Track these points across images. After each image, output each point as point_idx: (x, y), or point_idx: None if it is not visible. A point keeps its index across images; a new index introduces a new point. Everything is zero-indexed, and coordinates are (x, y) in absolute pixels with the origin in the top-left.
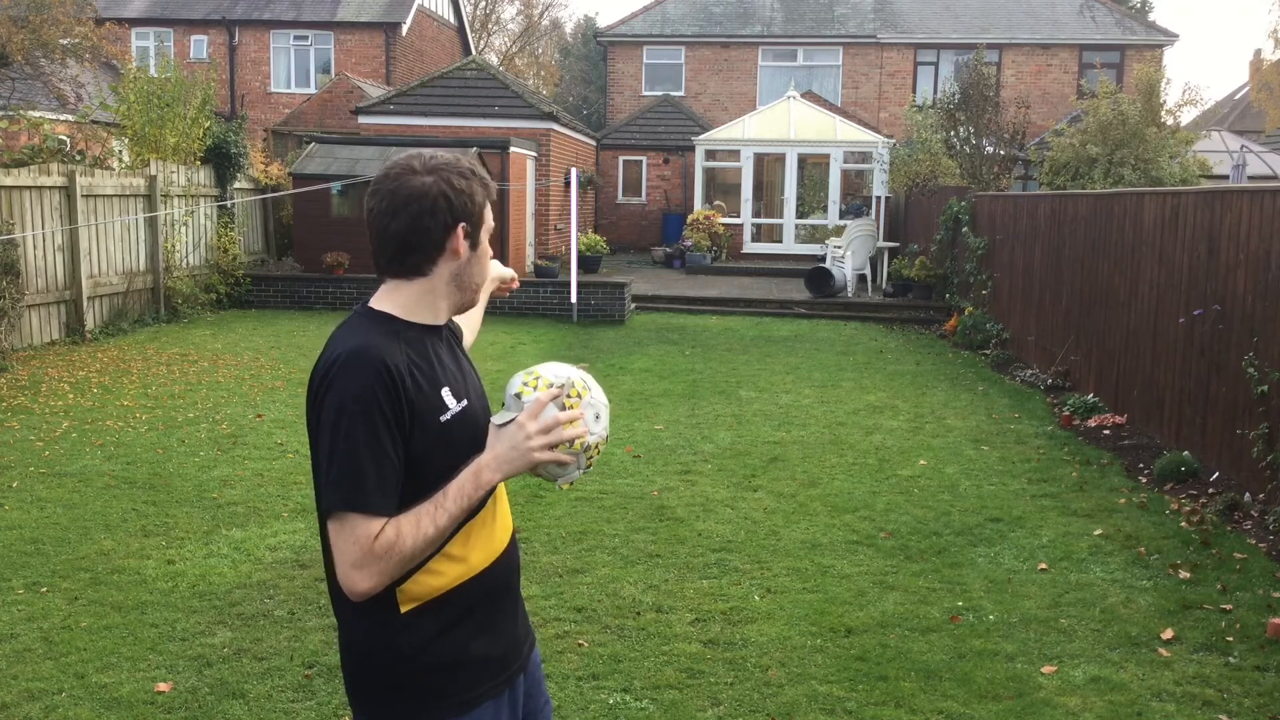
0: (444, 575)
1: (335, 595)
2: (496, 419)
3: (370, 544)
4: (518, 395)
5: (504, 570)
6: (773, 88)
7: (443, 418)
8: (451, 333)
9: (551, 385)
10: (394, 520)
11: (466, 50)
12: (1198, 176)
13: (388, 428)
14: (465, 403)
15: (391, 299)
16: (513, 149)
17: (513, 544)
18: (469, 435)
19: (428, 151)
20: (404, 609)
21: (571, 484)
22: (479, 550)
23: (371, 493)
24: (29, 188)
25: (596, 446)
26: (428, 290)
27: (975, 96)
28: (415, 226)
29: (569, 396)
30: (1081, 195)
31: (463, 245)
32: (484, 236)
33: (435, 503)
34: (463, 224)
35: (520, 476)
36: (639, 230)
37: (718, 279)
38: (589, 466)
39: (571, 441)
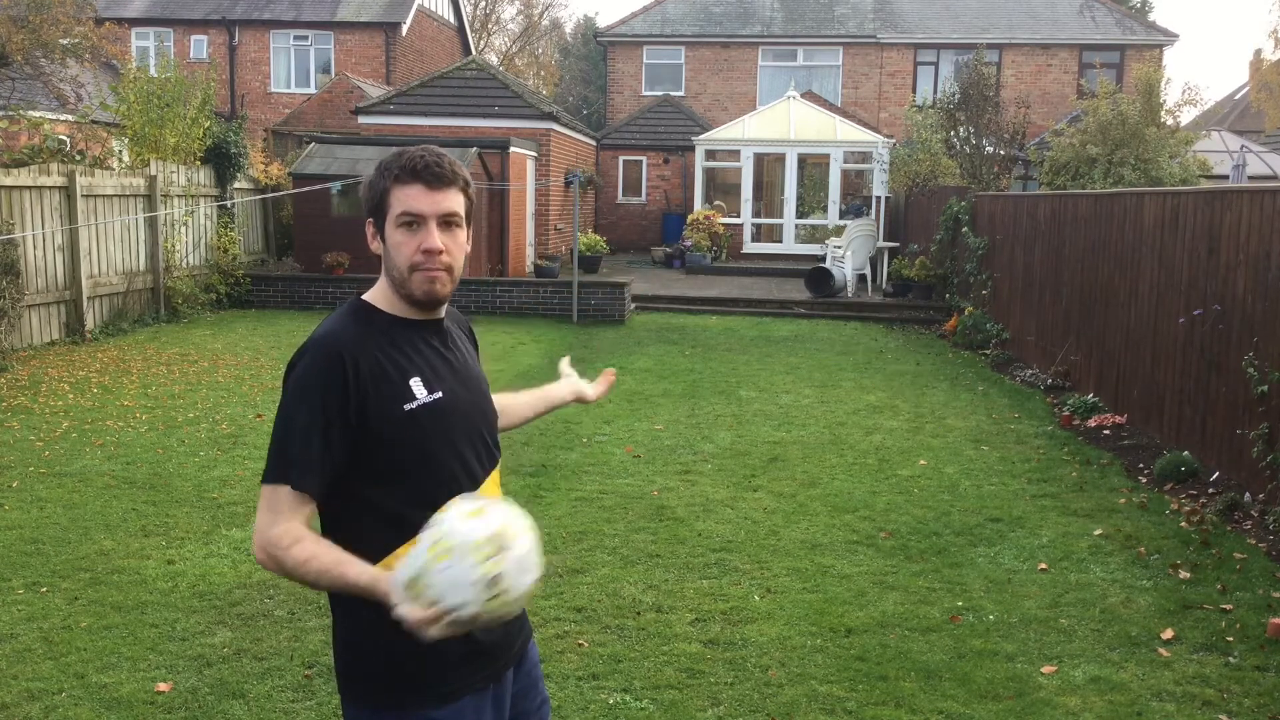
0: None
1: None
2: (401, 570)
3: (278, 508)
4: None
5: None
6: (773, 88)
7: (407, 406)
8: (458, 331)
9: (477, 543)
10: (313, 538)
11: (466, 50)
12: (1198, 176)
13: (326, 413)
14: (439, 395)
15: (373, 290)
16: (513, 149)
17: None
18: (439, 426)
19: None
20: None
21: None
22: None
23: (290, 467)
24: (29, 188)
25: (513, 593)
26: (383, 284)
27: (975, 96)
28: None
29: (488, 559)
30: (1081, 195)
31: (376, 240)
32: (388, 227)
33: (338, 560)
34: (369, 219)
35: (521, 477)
36: (639, 230)
37: (718, 279)
38: (516, 606)
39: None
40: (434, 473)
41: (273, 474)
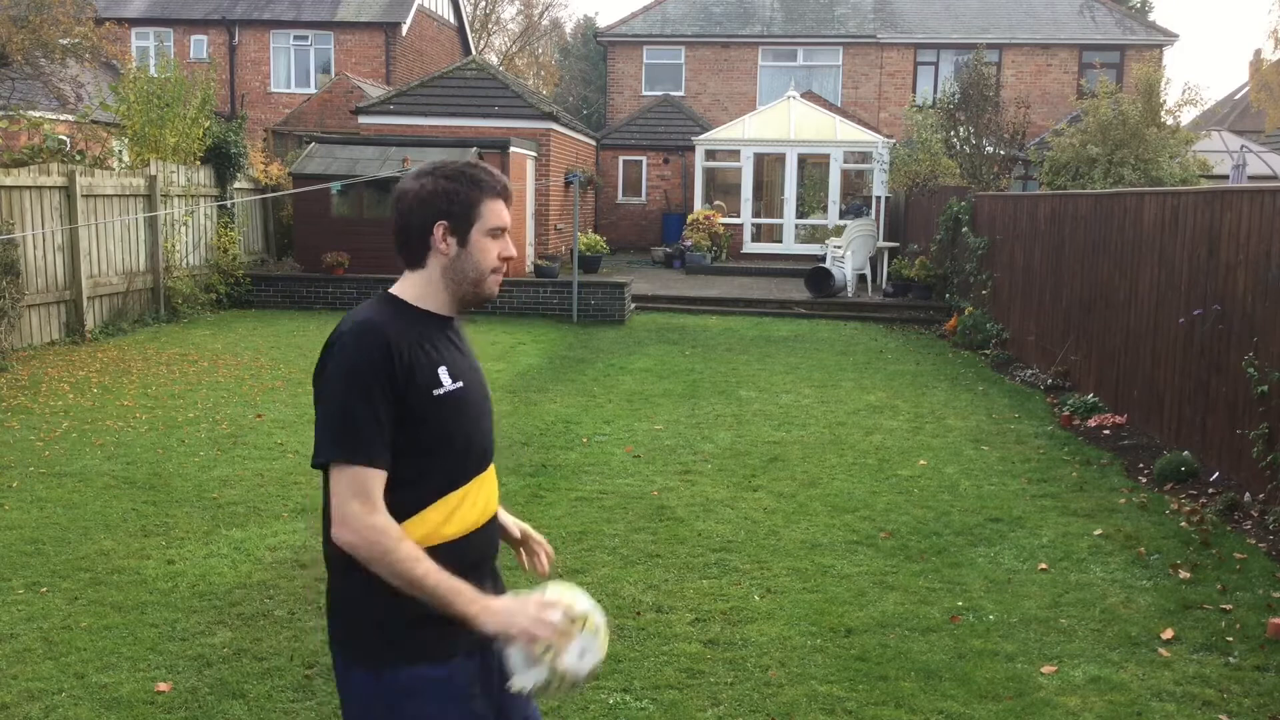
0: (418, 535)
1: (329, 546)
2: (524, 680)
3: (367, 489)
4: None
5: (476, 547)
6: (773, 88)
7: (436, 391)
8: (463, 329)
9: (583, 614)
10: (407, 537)
11: (466, 50)
12: (1198, 176)
13: (382, 391)
14: (461, 384)
15: (402, 286)
16: (513, 149)
17: (490, 526)
18: (459, 411)
19: (449, 159)
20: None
21: (524, 692)
22: (461, 520)
23: (366, 445)
24: (29, 188)
25: (563, 675)
26: (427, 281)
27: (975, 96)
28: (404, 224)
29: (574, 621)
30: (1081, 195)
31: (446, 241)
32: (475, 234)
33: (435, 575)
34: (442, 222)
35: (521, 476)
36: (639, 230)
37: (718, 279)
38: (548, 689)
39: (548, 647)
40: (452, 453)
41: (349, 454)
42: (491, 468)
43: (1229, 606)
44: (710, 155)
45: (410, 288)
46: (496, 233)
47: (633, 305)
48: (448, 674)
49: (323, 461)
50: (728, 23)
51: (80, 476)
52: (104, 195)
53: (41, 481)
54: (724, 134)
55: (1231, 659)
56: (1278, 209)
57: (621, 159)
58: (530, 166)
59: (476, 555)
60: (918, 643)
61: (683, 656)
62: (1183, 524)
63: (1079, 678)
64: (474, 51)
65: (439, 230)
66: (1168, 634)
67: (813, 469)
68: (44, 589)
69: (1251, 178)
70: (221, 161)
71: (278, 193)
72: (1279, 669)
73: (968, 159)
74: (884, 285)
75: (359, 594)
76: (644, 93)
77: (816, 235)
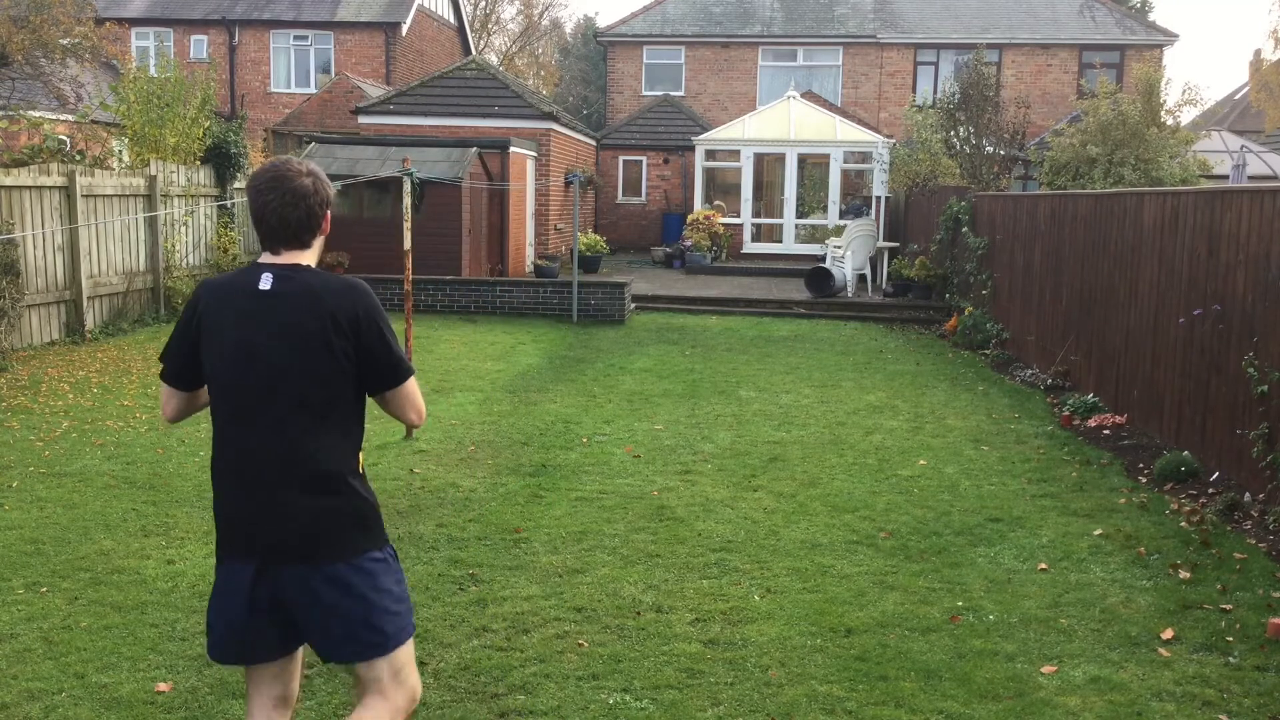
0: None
1: (335, 470)
2: None
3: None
4: None
5: None
6: (773, 88)
7: None
8: None
9: None
10: None
11: (466, 50)
12: (1198, 176)
13: None
14: None
15: (308, 262)
16: (513, 149)
17: None
18: None
19: (290, 158)
20: (361, 470)
21: None
22: None
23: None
24: (29, 188)
25: None
26: (313, 260)
27: (975, 96)
28: (310, 213)
29: None
30: (1081, 195)
31: (327, 225)
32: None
33: None
34: (329, 209)
35: (521, 476)
36: (639, 230)
37: (718, 279)
38: None
39: None
40: None
41: (410, 368)
42: None
43: (1229, 606)
44: (710, 155)
45: (307, 262)
46: None
47: (633, 305)
48: None
49: (410, 373)
50: (728, 23)
51: (80, 476)
52: (104, 195)
53: (41, 481)
54: (724, 134)
55: (1231, 659)
56: (1278, 209)
57: (621, 159)
58: (530, 166)
59: None
60: (918, 643)
61: (683, 656)
62: (1183, 524)
63: (1079, 678)
64: (474, 51)
65: (329, 215)
66: (1168, 634)
67: (813, 469)
68: (44, 589)
69: (1251, 178)
70: (221, 161)
71: None
72: (1279, 669)
73: (968, 159)
74: (884, 285)
75: (362, 494)
76: (644, 93)
77: (816, 235)
